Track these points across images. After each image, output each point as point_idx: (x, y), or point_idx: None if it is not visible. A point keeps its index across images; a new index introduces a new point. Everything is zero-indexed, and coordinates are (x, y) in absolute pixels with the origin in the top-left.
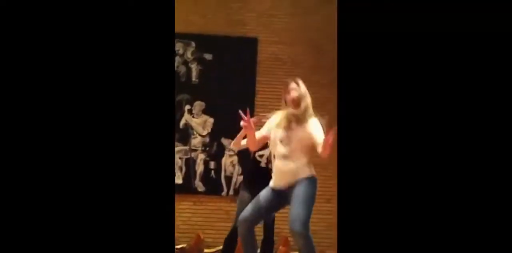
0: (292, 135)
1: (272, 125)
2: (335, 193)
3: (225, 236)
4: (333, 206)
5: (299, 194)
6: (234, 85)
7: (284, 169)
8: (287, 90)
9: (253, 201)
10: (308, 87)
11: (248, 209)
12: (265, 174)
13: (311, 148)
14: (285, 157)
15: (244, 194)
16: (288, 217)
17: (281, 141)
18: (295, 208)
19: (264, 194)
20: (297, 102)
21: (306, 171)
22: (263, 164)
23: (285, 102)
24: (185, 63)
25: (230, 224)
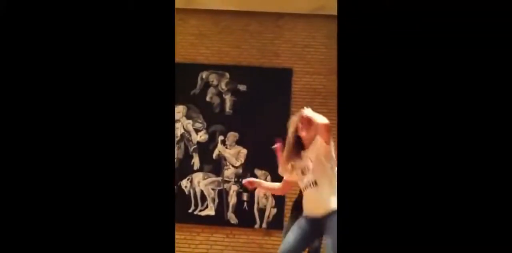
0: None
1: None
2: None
3: None
4: None
5: (330, 226)
6: (268, 116)
7: (316, 196)
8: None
9: (290, 232)
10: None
11: (286, 241)
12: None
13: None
14: (314, 183)
15: (290, 225)
16: (326, 248)
17: (302, 172)
18: (332, 239)
19: (299, 223)
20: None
21: (334, 203)
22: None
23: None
24: (219, 94)
25: None
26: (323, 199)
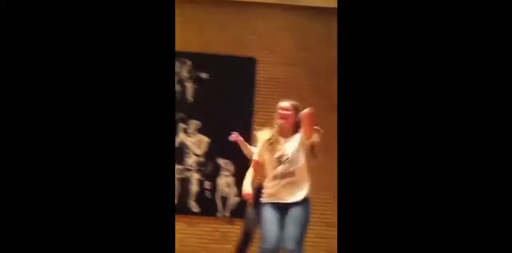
0: (284, 153)
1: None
2: (335, 217)
3: None
4: (333, 230)
5: (295, 214)
6: (231, 105)
7: (291, 185)
8: (280, 114)
9: (265, 223)
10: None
11: (269, 231)
12: None
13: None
14: (282, 176)
15: (251, 211)
16: (283, 236)
17: (275, 161)
18: (289, 228)
19: (269, 211)
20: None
21: (304, 192)
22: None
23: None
24: (181, 81)
25: (226, 246)
26: (298, 188)
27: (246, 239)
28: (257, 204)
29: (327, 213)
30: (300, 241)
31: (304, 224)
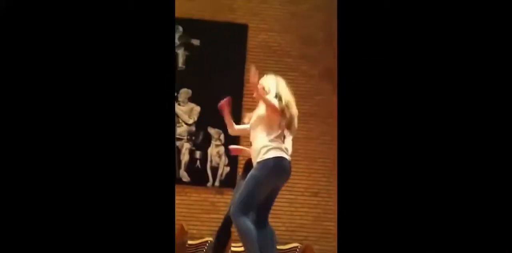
0: (255, 117)
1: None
2: (323, 186)
3: (210, 228)
4: (320, 199)
5: (247, 177)
6: (222, 73)
7: (252, 150)
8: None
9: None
10: (297, 76)
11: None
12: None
13: (269, 126)
14: (252, 140)
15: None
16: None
17: (251, 126)
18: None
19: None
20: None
21: (261, 154)
22: None
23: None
24: None
25: (216, 216)
26: (256, 151)
27: None
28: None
29: (315, 183)
30: (237, 204)
31: (247, 187)
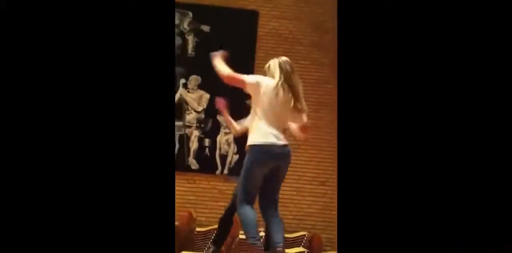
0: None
1: None
2: (331, 175)
3: (218, 215)
4: (328, 188)
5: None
6: (232, 60)
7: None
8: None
9: None
10: (308, 65)
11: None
12: None
13: (253, 110)
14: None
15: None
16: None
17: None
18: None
19: None
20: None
21: (249, 140)
22: None
23: None
24: (181, 34)
25: (224, 203)
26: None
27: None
28: None
29: (323, 172)
30: (238, 193)
31: (241, 176)
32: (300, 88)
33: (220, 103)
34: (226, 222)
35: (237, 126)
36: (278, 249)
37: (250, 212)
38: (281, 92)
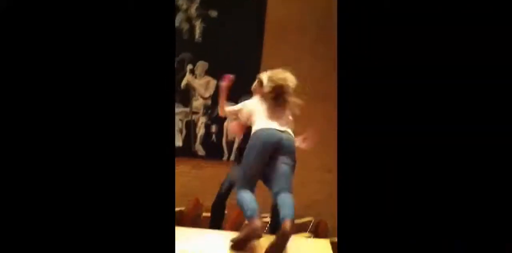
0: None
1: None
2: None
3: None
4: (334, 176)
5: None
6: (240, 46)
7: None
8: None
9: None
10: (316, 51)
11: None
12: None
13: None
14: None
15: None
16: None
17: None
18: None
19: None
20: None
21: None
22: None
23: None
24: (189, 20)
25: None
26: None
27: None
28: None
29: (330, 160)
30: (239, 172)
31: (243, 158)
32: (290, 81)
33: (226, 79)
34: (219, 207)
35: (227, 108)
36: (286, 222)
37: (249, 197)
38: (266, 102)
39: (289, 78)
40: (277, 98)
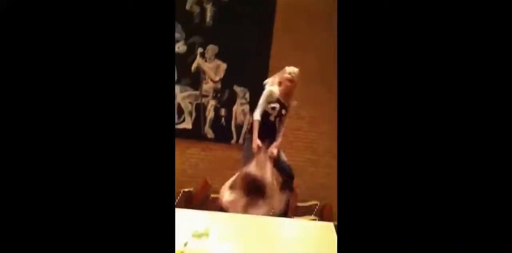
0: None
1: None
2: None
3: None
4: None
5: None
6: (250, 30)
7: None
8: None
9: None
10: (328, 37)
11: None
12: (271, 128)
13: None
14: None
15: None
16: None
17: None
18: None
19: None
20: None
21: None
22: (272, 118)
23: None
24: (199, 3)
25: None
26: None
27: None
28: None
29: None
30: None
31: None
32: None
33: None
34: None
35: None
36: None
37: None
38: None
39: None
40: None
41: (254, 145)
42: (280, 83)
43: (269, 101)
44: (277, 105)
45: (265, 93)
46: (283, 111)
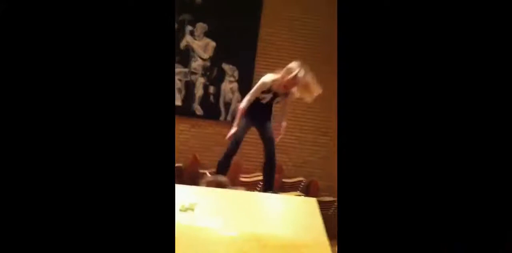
0: None
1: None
2: (332, 126)
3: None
4: (329, 138)
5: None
6: (240, 9)
7: None
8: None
9: None
10: (318, 19)
11: None
12: (265, 109)
13: None
14: None
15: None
16: None
17: None
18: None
19: None
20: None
21: None
22: (264, 101)
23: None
24: None
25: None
26: None
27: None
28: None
29: (326, 123)
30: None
31: None
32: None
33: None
34: (225, 164)
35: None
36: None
37: None
38: None
39: None
40: None
41: (232, 130)
42: (283, 84)
43: (261, 91)
44: (268, 95)
45: (257, 84)
46: (278, 99)
